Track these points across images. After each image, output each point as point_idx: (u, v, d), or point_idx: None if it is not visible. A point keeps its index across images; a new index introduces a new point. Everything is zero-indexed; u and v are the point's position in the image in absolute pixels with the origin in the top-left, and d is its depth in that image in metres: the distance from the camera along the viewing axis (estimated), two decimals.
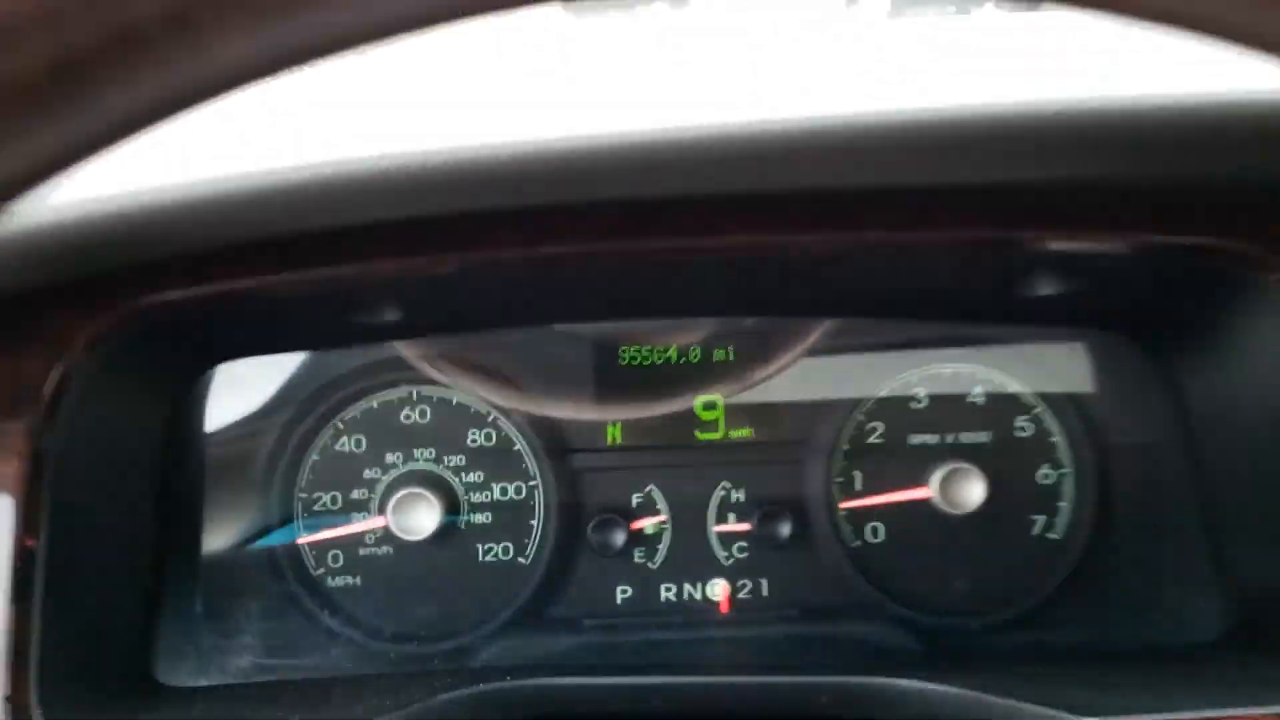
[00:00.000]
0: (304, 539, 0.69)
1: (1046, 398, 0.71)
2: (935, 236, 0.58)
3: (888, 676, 0.58)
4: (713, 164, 0.52)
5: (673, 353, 0.71)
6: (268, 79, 0.26)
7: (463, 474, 0.70)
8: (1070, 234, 0.57)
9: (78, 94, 0.23)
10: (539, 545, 0.70)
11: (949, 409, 0.71)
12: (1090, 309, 0.68)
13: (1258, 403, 0.61)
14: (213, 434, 0.68)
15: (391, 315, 0.66)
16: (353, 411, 0.69)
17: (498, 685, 0.58)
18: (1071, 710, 0.53)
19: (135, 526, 0.62)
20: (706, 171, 0.53)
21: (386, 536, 0.69)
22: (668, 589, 0.71)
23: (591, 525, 0.70)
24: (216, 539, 0.68)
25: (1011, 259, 0.62)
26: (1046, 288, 0.65)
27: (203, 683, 0.63)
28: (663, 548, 0.71)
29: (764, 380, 0.71)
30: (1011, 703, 0.54)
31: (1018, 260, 0.62)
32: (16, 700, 0.50)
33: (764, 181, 0.55)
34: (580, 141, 0.51)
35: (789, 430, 0.71)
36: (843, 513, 0.71)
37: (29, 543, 0.52)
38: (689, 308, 0.71)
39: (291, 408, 0.69)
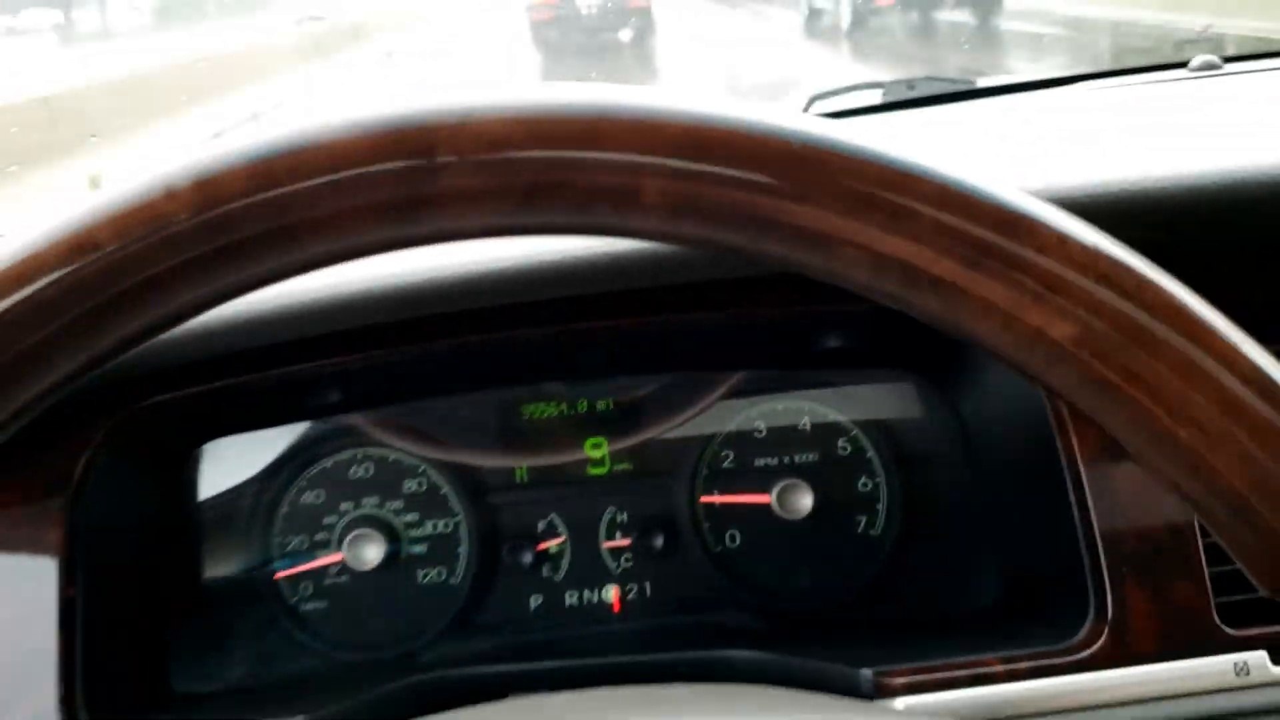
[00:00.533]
0: (280, 574, 0.86)
1: (860, 423, 0.89)
2: (751, 313, 0.78)
3: (730, 650, 0.76)
4: (579, 278, 0.73)
5: (564, 407, 0.90)
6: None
7: (401, 515, 0.87)
8: (841, 304, 0.77)
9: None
10: (465, 568, 0.87)
11: (784, 436, 0.89)
12: (883, 353, 0.88)
13: (1007, 420, 0.80)
14: (205, 496, 0.85)
15: (337, 396, 0.85)
16: (313, 471, 0.87)
17: (430, 675, 0.76)
18: (857, 663, 0.71)
19: (148, 574, 0.79)
20: (571, 283, 0.73)
21: (344, 568, 0.86)
22: (570, 596, 0.88)
23: (506, 549, 0.87)
24: (213, 577, 0.85)
25: (807, 323, 0.82)
26: (840, 341, 0.85)
27: (208, 689, 0.80)
28: (564, 563, 0.88)
29: (650, 436, 0.89)
30: (809, 661, 0.72)
31: (812, 323, 0.82)
32: (68, 710, 0.68)
33: (622, 283, 0.75)
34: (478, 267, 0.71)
35: (661, 462, 0.89)
36: (705, 524, 0.89)
37: (70, 593, 0.70)
38: (578, 372, 0.90)
39: (265, 471, 0.87)
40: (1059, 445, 0.72)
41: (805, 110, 1.31)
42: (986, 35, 13.05)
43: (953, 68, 10.68)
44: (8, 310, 0.35)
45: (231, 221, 0.35)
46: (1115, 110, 1.14)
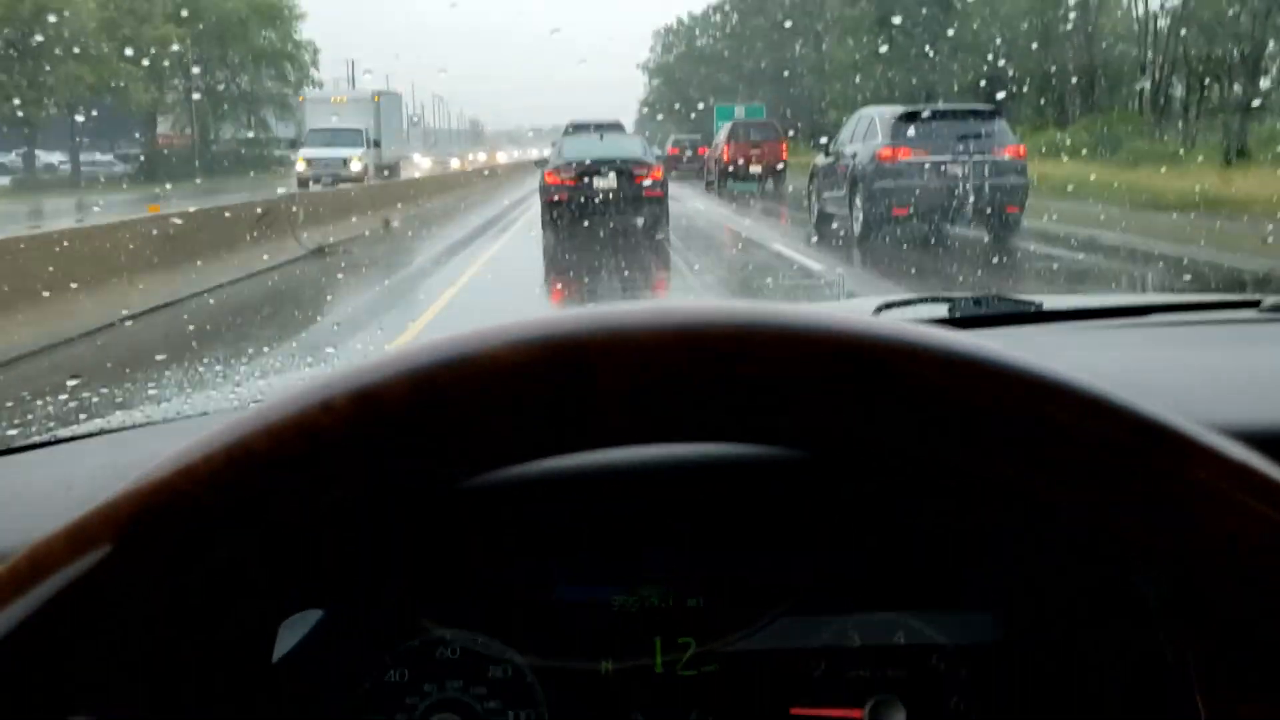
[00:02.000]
0: None
1: (953, 642, 0.92)
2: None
3: None
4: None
5: (655, 602, 0.92)
6: None
7: (484, 701, 0.89)
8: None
9: None
10: None
11: (877, 650, 0.92)
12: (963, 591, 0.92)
13: (1104, 654, 0.84)
14: (286, 667, 0.86)
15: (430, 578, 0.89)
16: (399, 649, 0.89)
17: None
18: None
19: None
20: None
21: None
22: None
23: None
24: None
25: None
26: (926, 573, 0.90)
27: None
28: None
29: (737, 639, 0.91)
30: None
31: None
32: None
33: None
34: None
35: (750, 667, 0.91)
36: None
37: None
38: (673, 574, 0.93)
39: (351, 646, 0.88)
40: (1177, 687, 0.75)
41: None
42: (1004, 254, 13.42)
43: (966, 285, 10.97)
44: (162, 517, 0.39)
45: (387, 433, 0.39)
46: (1188, 347, 1.21)
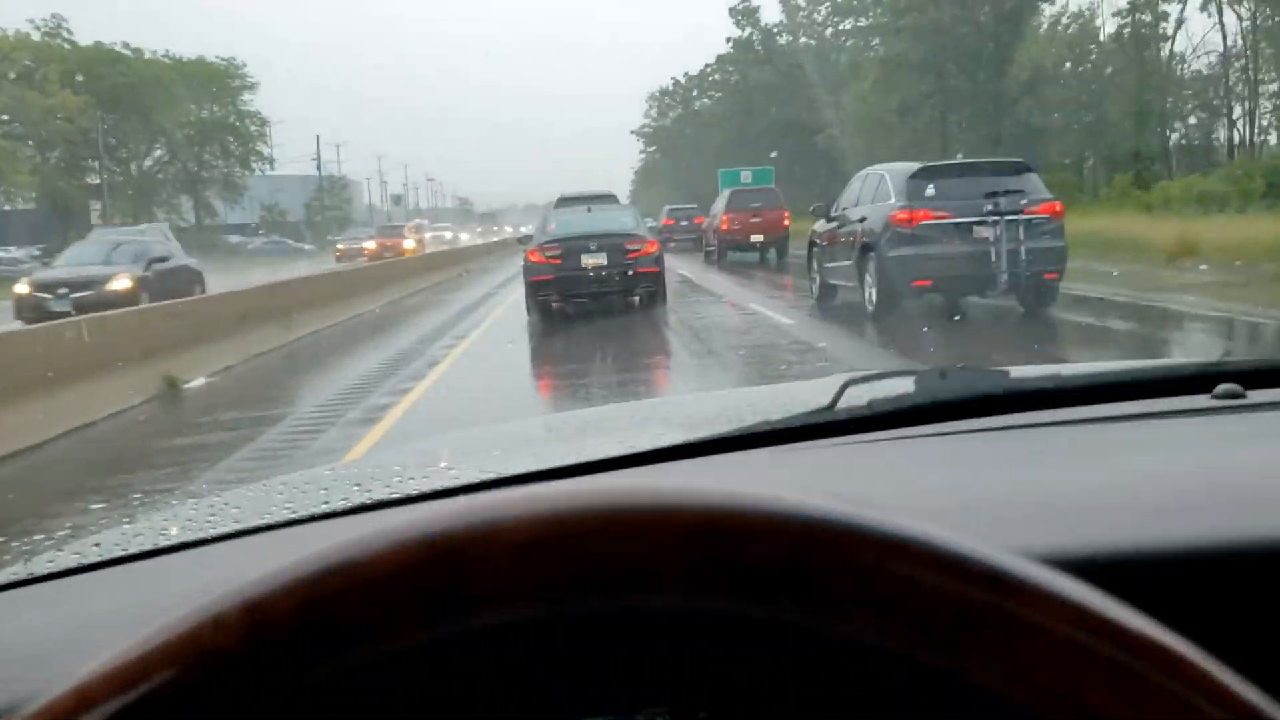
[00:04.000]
0: None
1: None
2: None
3: None
4: None
5: None
6: None
7: None
8: None
9: None
10: None
11: None
12: None
13: None
14: None
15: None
16: None
17: None
18: None
19: None
20: None
21: None
22: None
23: None
24: None
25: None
26: None
27: None
28: None
29: None
30: None
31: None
32: None
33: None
34: None
35: None
36: None
37: None
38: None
39: None
40: None
41: (839, 396, 1.46)
42: (1040, 327, 13.36)
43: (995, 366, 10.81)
44: None
45: (280, 641, 0.46)
46: (1136, 450, 1.24)
